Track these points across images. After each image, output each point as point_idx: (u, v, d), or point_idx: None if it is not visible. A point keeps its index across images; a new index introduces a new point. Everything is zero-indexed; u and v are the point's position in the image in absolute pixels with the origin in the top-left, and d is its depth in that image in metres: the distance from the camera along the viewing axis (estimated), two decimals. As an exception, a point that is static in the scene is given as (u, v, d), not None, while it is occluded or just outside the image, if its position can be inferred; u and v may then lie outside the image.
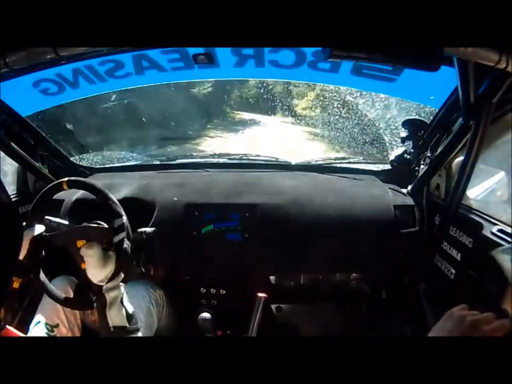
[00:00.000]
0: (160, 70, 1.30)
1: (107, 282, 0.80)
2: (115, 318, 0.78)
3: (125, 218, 0.89)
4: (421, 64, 0.66)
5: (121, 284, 0.83)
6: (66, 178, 0.95)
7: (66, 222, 1.04)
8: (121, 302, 0.80)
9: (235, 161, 1.71)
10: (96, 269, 0.79)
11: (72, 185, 0.96)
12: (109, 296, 0.80)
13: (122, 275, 0.83)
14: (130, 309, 0.82)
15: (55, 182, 0.97)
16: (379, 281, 1.44)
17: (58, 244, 0.98)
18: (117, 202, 0.92)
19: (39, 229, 0.96)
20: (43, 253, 0.95)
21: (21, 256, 0.95)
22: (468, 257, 1.05)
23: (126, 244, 0.84)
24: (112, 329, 0.78)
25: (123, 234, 0.84)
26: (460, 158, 1.13)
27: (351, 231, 1.23)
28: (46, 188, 0.97)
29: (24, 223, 0.94)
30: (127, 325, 0.78)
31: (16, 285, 1.18)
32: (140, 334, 0.80)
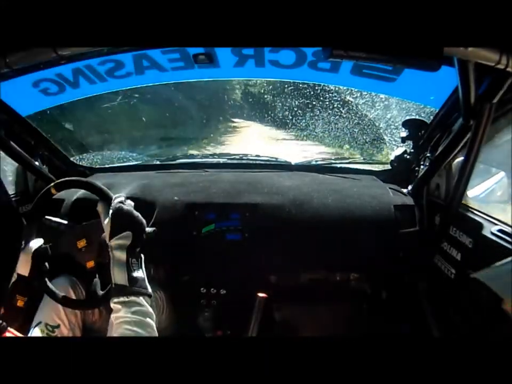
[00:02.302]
0: (160, 70, 1.30)
1: (109, 239, 0.83)
2: (116, 276, 0.80)
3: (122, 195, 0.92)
4: (421, 64, 0.66)
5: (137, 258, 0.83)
6: (52, 184, 0.99)
7: (65, 222, 1.04)
8: (129, 265, 0.81)
9: (235, 161, 1.71)
10: (103, 224, 0.87)
11: (59, 187, 0.99)
12: (113, 254, 0.82)
13: (128, 239, 0.82)
14: (138, 274, 0.81)
15: (42, 191, 1.00)
16: (379, 281, 1.44)
17: (60, 251, 0.99)
18: (105, 188, 0.95)
19: (38, 242, 0.97)
20: (46, 266, 0.97)
21: (26, 273, 0.96)
22: (468, 257, 1.05)
23: (123, 204, 0.87)
24: (113, 286, 0.80)
25: (121, 198, 0.88)
26: (460, 158, 1.13)
27: (351, 231, 1.23)
28: (36, 198, 1.00)
29: (23, 224, 0.94)
30: (127, 285, 0.78)
31: (20, 303, 1.19)
32: (141, 299, 0.78)
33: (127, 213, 0.86)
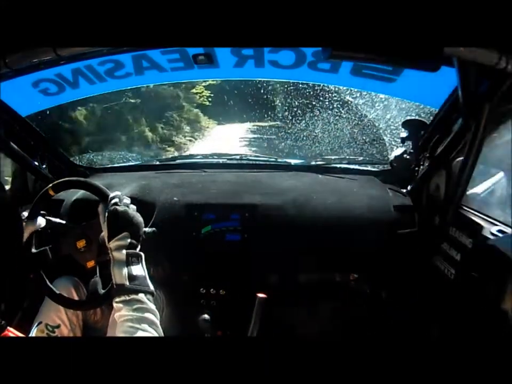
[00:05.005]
0: (160, 70, 1.30)
1: (108, 242, 0.83)
2: (116, 276, 0.80)
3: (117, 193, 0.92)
4: (421, 64, 0.66)
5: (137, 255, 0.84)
6: (50, 185, 0.99)
7: (64, 222, 1.05)
8: (129, 264, 0.81)
9: (235, 162, 1.71)
10: (102, 226, 0.88)
11: (57, 189, 1.00)
12: (112, 255, 0.82)
13: (126, 239, 0.83)
14: (138, 272, 0.81)
15: (41, 192, 1.00)
16: (379, 281, 1.44)
17: (60, 254, 0.99)
18: (102, 186, 0.96)
19: (39, 221, 0.97)
20: (46, 269, 0.97)
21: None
22: (468, 257, 1.05)
23: (117, 205, 0.87)
24: (114, 286, 0.80)
25: (115, 199, 0.88)
26: (460, 158, 1.13)
27: (350, 232, 1.23)
28: (35, 200, 1.00)
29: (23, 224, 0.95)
30: (126, 283, 0.78)
31: None
32: (141, 295, 0.78)
33: (122, 214, 0.86)
